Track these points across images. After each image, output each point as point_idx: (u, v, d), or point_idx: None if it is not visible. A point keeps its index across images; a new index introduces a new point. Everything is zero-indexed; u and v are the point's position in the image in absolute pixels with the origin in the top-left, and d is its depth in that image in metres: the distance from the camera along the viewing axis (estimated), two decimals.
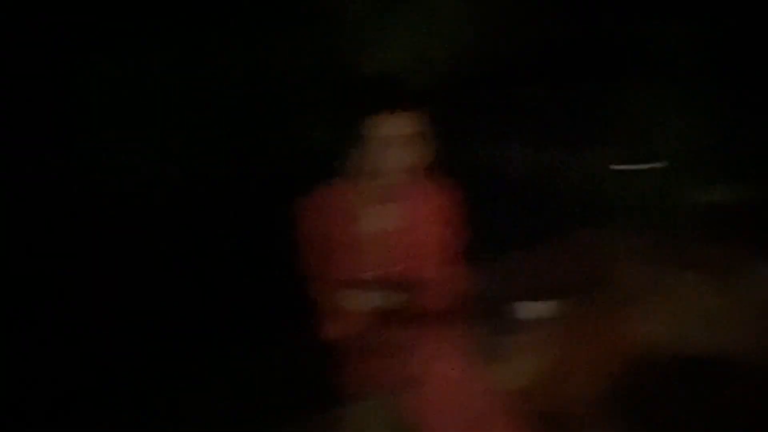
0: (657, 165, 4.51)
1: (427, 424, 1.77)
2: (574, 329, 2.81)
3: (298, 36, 2.36)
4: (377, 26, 2.32)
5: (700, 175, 4.44)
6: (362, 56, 2.28)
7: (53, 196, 2.72)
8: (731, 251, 3.71)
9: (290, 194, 1.90)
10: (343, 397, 1.90)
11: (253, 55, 2.45)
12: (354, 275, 1.87)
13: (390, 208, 1.87)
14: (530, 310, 2.63)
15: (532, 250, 3.45)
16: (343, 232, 1.85)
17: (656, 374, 3.08)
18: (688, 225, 4.26)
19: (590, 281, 3.13)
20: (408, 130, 1.73)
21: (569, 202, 4.87)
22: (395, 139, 1.72)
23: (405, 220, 1.86)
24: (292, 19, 2.38)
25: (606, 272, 3.27)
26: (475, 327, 2.43)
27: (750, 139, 4.49)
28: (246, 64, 2.50)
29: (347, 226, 1.85)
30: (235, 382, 2.46)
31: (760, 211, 4.27)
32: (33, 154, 2.67)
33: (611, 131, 4.77)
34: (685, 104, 4.44)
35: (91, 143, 2.80)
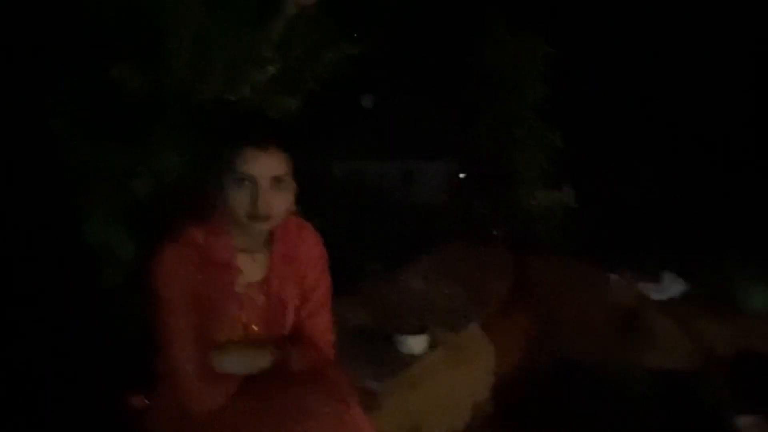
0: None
1: None
2: (461, 355, 2.71)
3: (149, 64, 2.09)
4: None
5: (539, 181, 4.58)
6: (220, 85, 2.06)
7: None
8: (583, 258, 3.82)
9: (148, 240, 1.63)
10: None
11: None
12: (226, 333, 1.65)
13: (263, 258, 1.69)
14: (412, 343, 2.49)
15: (401, 274, 3.33)
16: (212, 285, 1.62)
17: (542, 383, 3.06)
18: (537, 231, 4.37)
19: (469, 303, 3.06)
20: (279, 170, 1.57)
21: (427, 214, 4.85)
22: (264, 180, 1.55)
23: (280, 270, 1.69)
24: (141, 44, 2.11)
25: (483, 291, 3.22)
26: (357, 370, 2.26)
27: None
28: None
29: (217, 279, 1.63)
30: None
31: (593, 217, 4.46)
32: None
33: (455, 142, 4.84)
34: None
35: None
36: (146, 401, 1.74)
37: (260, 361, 1.61)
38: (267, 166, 1.54)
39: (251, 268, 1.66)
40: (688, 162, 4.63)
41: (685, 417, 2.82)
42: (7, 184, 2.34)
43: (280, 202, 1.57)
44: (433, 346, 2.56)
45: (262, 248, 1.67)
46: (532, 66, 4.54)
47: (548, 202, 4.48)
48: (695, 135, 4.88)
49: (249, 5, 2.35)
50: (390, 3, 3.52)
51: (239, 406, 1.55)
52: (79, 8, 2.16)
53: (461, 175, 5.00)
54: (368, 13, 2.98)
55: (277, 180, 1.56)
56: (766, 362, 2.95)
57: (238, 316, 1.65)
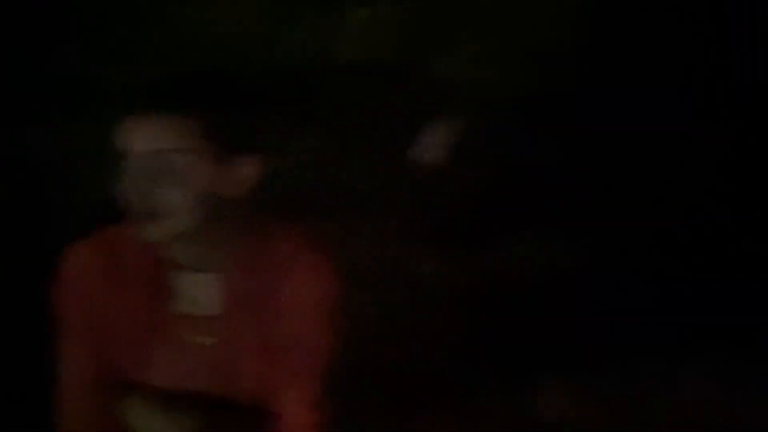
0: None
1: None
2: None
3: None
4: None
5: None
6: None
7: None
8: None
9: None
10: None
11: None
12: (146, 381, 1.17)
13: (209, 281, 1.17)
14: None
15: None
16: (128, 311, 1.16)
17: None
18: None
19: None
20: (162, 141, 1.06)
21: None
22: (153, 160, 1.06)
23: (237, 304, 1.17)
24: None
25: None
26: None
27: None
28: None
29: (134, 303, 1.17)
30: None
31: None
32: None
33: None
34: None
35: None
36: None
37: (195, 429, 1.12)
38: (146, 140, 1.06)
39: (204, 294, 1.17)
40: None
41: None
42: None
43: (167, 193, 1.06)
44: None
45: (212, 268, 1.16)
46: None
47: None
48: None
49: None
50: None
51: None
52: None
53: None
54: None
55: (159, 156, 1.06)
56: None
57: (167, 363, 1.16)
